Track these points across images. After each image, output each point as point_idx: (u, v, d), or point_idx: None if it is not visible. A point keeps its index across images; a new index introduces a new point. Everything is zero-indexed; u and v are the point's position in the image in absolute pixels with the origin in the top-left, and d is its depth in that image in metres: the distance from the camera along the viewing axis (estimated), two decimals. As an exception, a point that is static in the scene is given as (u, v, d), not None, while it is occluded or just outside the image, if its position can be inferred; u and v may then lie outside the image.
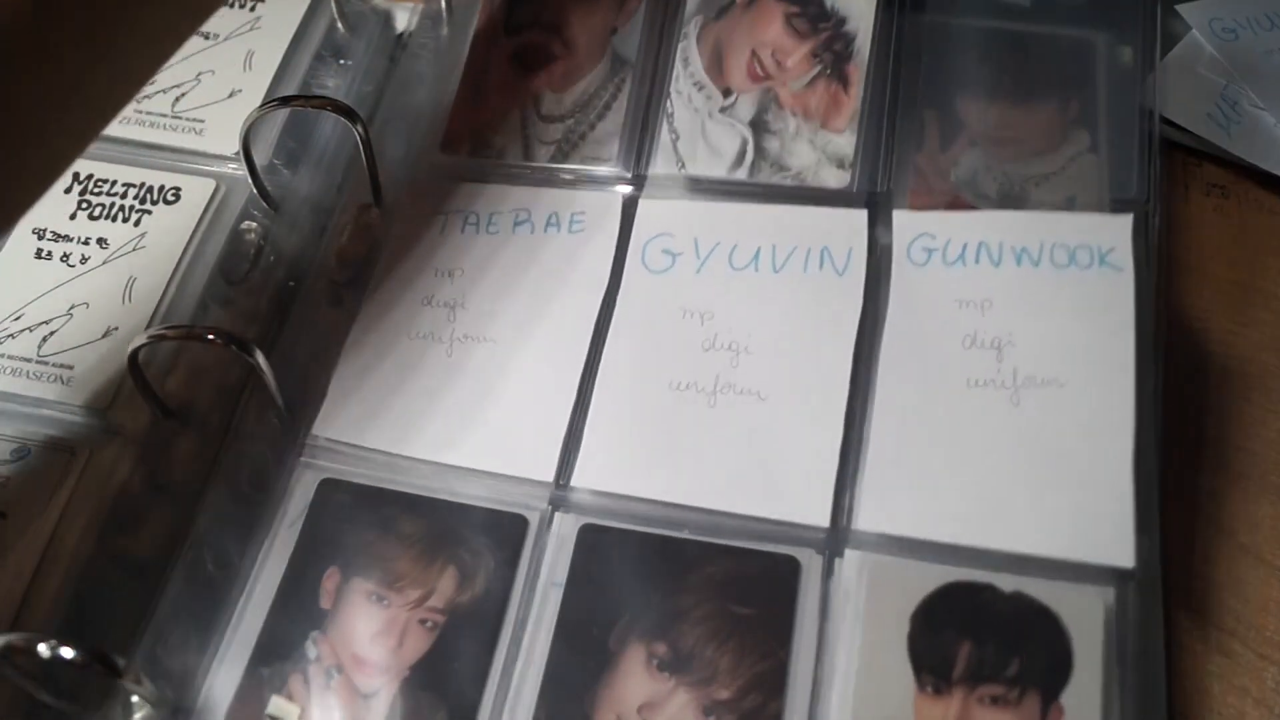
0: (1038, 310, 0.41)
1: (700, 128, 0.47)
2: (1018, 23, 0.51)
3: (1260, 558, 0.41)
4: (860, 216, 0.44)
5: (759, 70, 0.48)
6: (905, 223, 0.44)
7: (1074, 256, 0.41)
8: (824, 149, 0.46)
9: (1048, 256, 0.42)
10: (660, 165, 0.47)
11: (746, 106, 0.47)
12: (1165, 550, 0.39)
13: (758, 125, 0.47)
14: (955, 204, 0.46)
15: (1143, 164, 0.45)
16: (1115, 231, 0.42)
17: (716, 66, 0.49)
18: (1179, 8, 0.53)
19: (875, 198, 0.45)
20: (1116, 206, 0.43)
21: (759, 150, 0.46)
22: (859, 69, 0.48)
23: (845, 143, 0.46)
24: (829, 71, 0.48)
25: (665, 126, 0.48)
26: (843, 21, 0.49)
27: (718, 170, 0.46)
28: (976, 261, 0.42)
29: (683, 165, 0.47)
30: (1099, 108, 0.48)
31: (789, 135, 0.46)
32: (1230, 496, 0.42)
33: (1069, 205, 0.46)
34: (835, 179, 0.45)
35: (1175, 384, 0.45)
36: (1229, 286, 0.47)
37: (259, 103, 0.50)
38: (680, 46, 0.50)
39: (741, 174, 0.46)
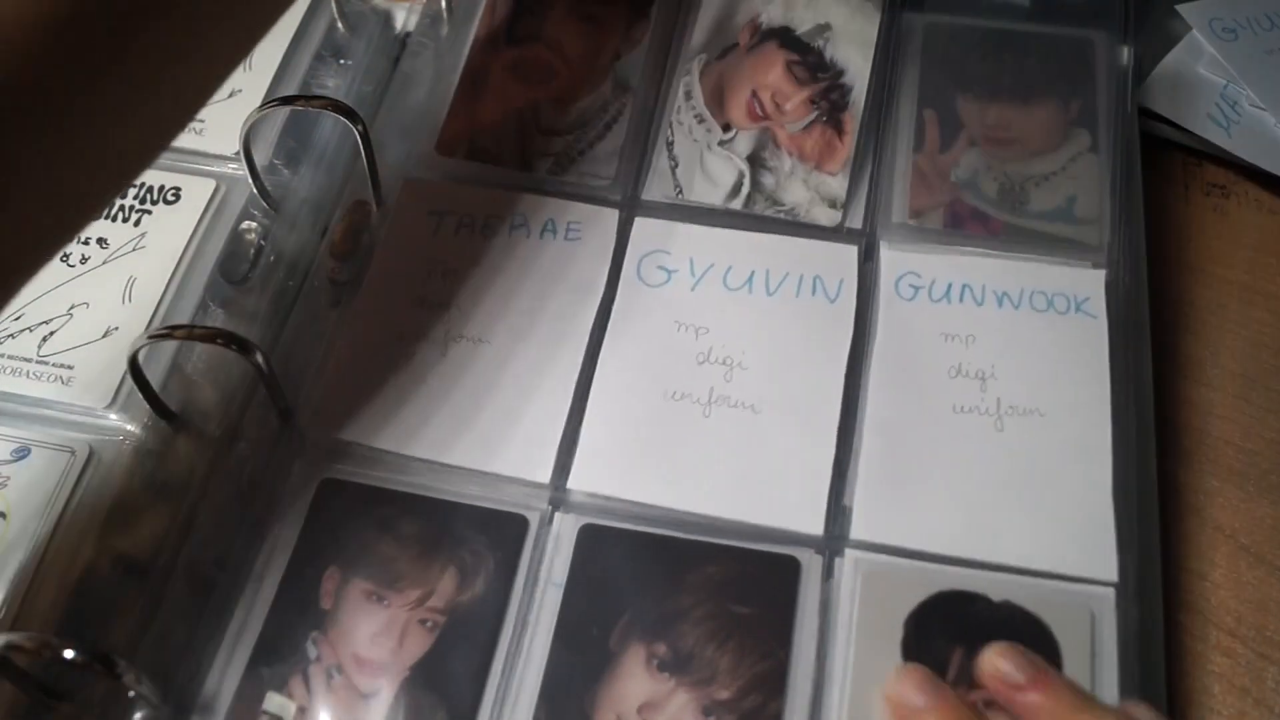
0: (1019, 348, 0.43)
1: (699, 157, 0.48)
2: (1018, 23, 0.52)
3: (1260, 558, 0.41)
4: (851, 252, 0.46)
5: (758, 110, 0.49)
6: (892, 260, 0.45)
7: (1052, 302, 0.44)
8: (817, 189, 0.47)
9: (1027, 301, 0.44)
10: (657, 190, 0.48)
11: (745, 142, 0.48)
12: (1165, 550, 0.39)
13: (754, 160, 0.48)
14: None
15: (1124, 192, 0.46)
16: (1090, 284, 0.44)
17: (717, 102, 0.50)
18: (1179, 8, 0.54)
19: (865, 236, 0.46)
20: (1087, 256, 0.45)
21: (755, 184, 0.47)
22: (854, 119, 0.49)
23: (838, 184, 0.47)
24: (825, 119, 0.49)
25: (665, 153, 0.48)
26: (840, 73, 0.50)
27: (714, 199, 0.47)
28: (961, 300, 0.44)
29: (680, 191, 0.47)
30: (1099, 108, 0.48)
31: (784, 173, 0.47)
32: (1230, 496, 0.42)
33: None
34: (827, 217, 0.46)
35: (1175, 384, 0.45)
36: (1229, 286, 0.47)
37: (259, 103, 0.50)
38: (683, 80, 0.50)
39: (737, 204, 0.47)
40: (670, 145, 0.49)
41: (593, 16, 0.52)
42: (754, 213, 0.47)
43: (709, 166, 0.48)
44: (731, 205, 0.47)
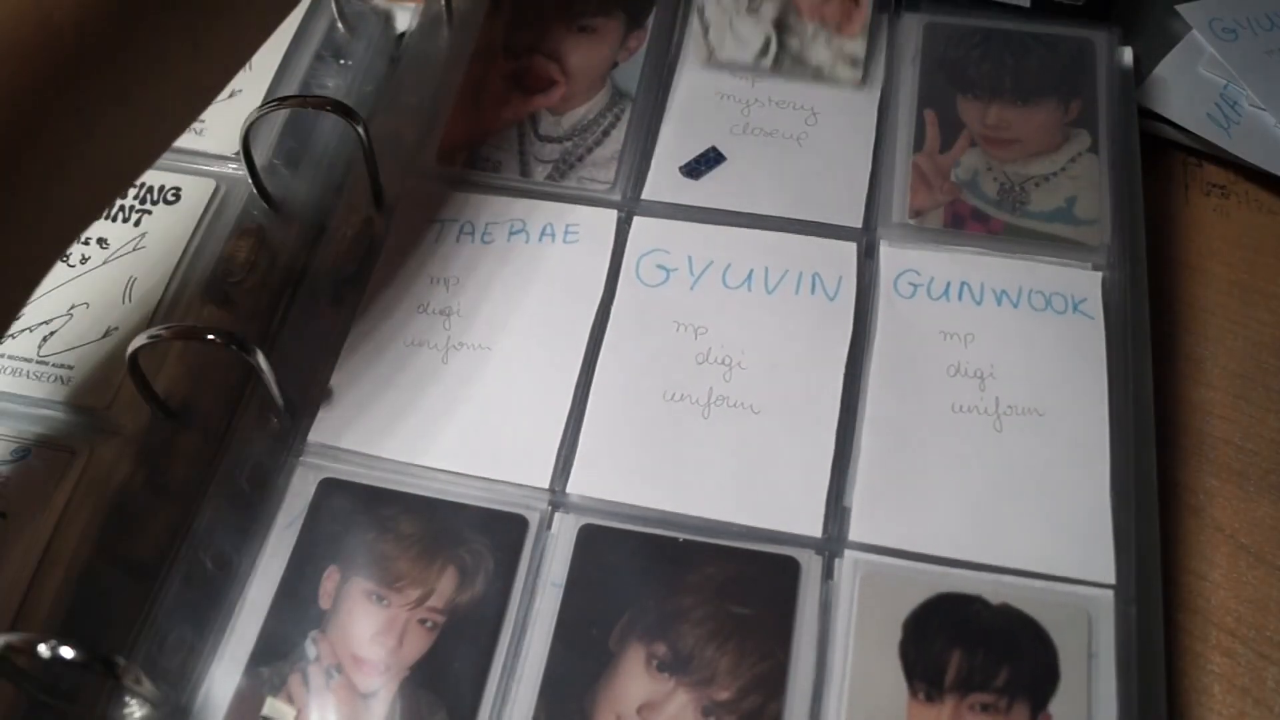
0: (1017, 347, 0.43)
1: (728, 22, 0.51)
2: (1018, 23, 0.52)
3: (1260, 558, 0.41)
4: (850, 248, 0.46)
5: None
6: (891, 258, 0.45)
7: (1050, 301, 0.44)
8: (839, 49, 0.50)
9: (1026, 299, 0.44)
10: (691, 54, 0.52)
11: (770, 9, 0.52)
12: (1165, 550, 0.39)
13: (780, 25, 0.51)
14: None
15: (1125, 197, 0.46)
16: (1087, 285, 0.44)
17: None
18: (1179, 8, 0.53)
19: (865, 235, 0.46)
20: (1091, 261, 0.45)
21: (781, 45, 0.50)
22: None
23: (858, 45, 0.51)
24: None
25: (697, 19, 0.52)
26: None
27: (744, 57, 0.50)
28: (960, 298, 0.44)
29: (712, 53, 0.51)
30: (1099, 108, 0.48)
31: (808, 36, 0.50)
32: (1230, 496, 0.42)
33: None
34: (849, 75, 0.50)
35: (1175, 384, 0.45)
36: (1229, 286, 0.47)
37: (259, 103, 0.50)
38: None
39: (766, 63, 0.50)
40: (701, 11, 0.52)
41: (590, 27, 0.53)
42: (782, 74, 0.50)
43: (738, 29, 0.51)
44: (762, 63, 0.50)
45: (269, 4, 0.40)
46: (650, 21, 0.53)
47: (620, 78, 0.51)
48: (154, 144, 0.38)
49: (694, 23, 0.52)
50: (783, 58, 0.50)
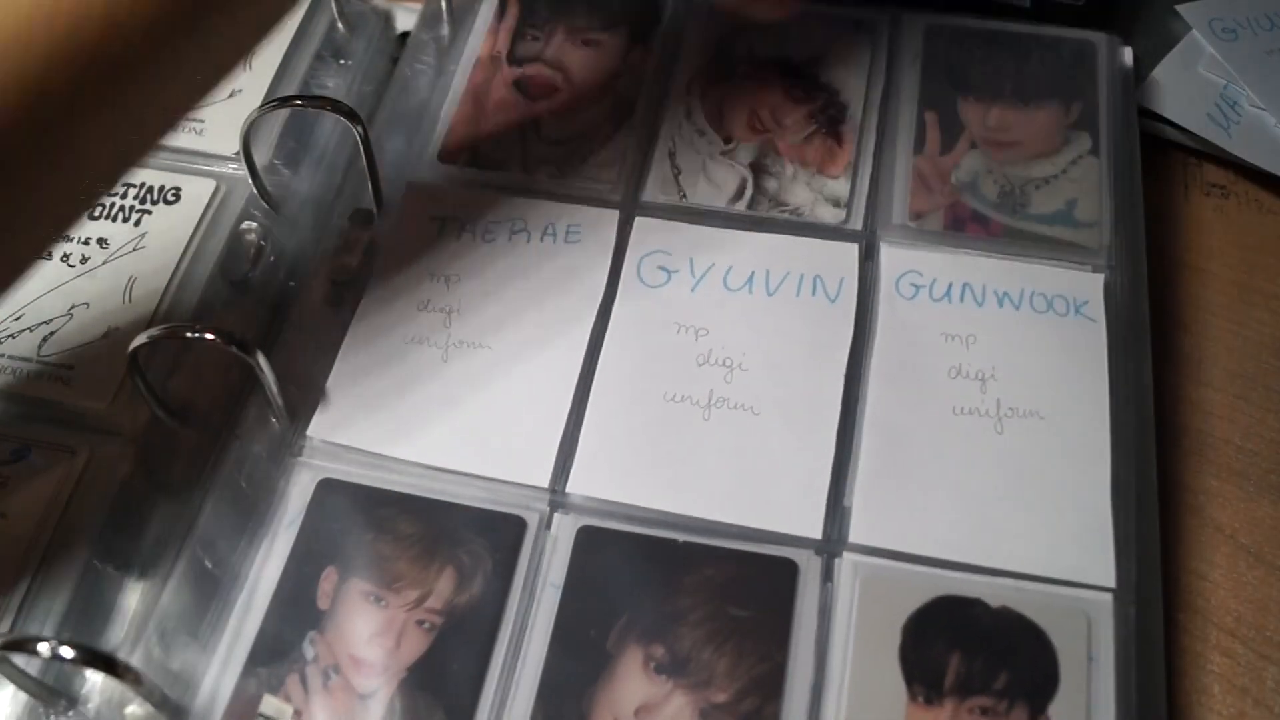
0: (1019, 349, 0.43)
1: (702, 165, 0.49)
2: (1018, 23, 0.52)
3: (1260, 558, 0.41)
4: (851, 250, 0.45)
5: (759, 125, 0.49)
6: (893, 259, 0.45)
7: (1052, 304, 0.43)
8: (820, 190, 0.47)
9: (1028, 302, 0.44)
10: (660, 195, 0.48)
11: (746, 153, 0.49)
12: (1165, 550, 0.39)
13: (757, 167, 0.48)
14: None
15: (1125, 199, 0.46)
16: (1089, 287, 0.44)
17: (718, 118, 0.50)
18: (1179, 8, 0.53)
19: (865, 238, 0.46)
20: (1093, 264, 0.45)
21: (758, 187, 0.48)
22: (853, 131, 0.49)
23: (840, 186, 0.47)
24: (824, 130, 0.49)
25: (668, 162, 0.49)
26: (836, 93, 0.50)
27: (718, 202, 0.47)
28: (961, 300, 0.44)
29: (684, 195, 0.48)
30: (1100, 110, 0.48)
31: (787, 178, 0.48)
32: (1230, 496, 0.42)
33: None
34: (831, 215, 0.47)
35: (1175, 384, 0.45)
36: (1229, 286, 0.47)
37: (259, 103, 0.50)
38: (684, 102, 0.51)
39: (740, 207, 0.47)
40: (672, 155, 0.49)
41: (594, 41, 0.53)
42: (758, 214, 0.47)
43: (712, 173, 0.48)
44: (736, 207, 0.47)
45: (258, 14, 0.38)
46: (655, 36, 0.53)
47: (624, 86, 0.51)
48: (132, 156, 0.37)
49: (664, 166, 0.48)
50: (759, 200, 0.47)
